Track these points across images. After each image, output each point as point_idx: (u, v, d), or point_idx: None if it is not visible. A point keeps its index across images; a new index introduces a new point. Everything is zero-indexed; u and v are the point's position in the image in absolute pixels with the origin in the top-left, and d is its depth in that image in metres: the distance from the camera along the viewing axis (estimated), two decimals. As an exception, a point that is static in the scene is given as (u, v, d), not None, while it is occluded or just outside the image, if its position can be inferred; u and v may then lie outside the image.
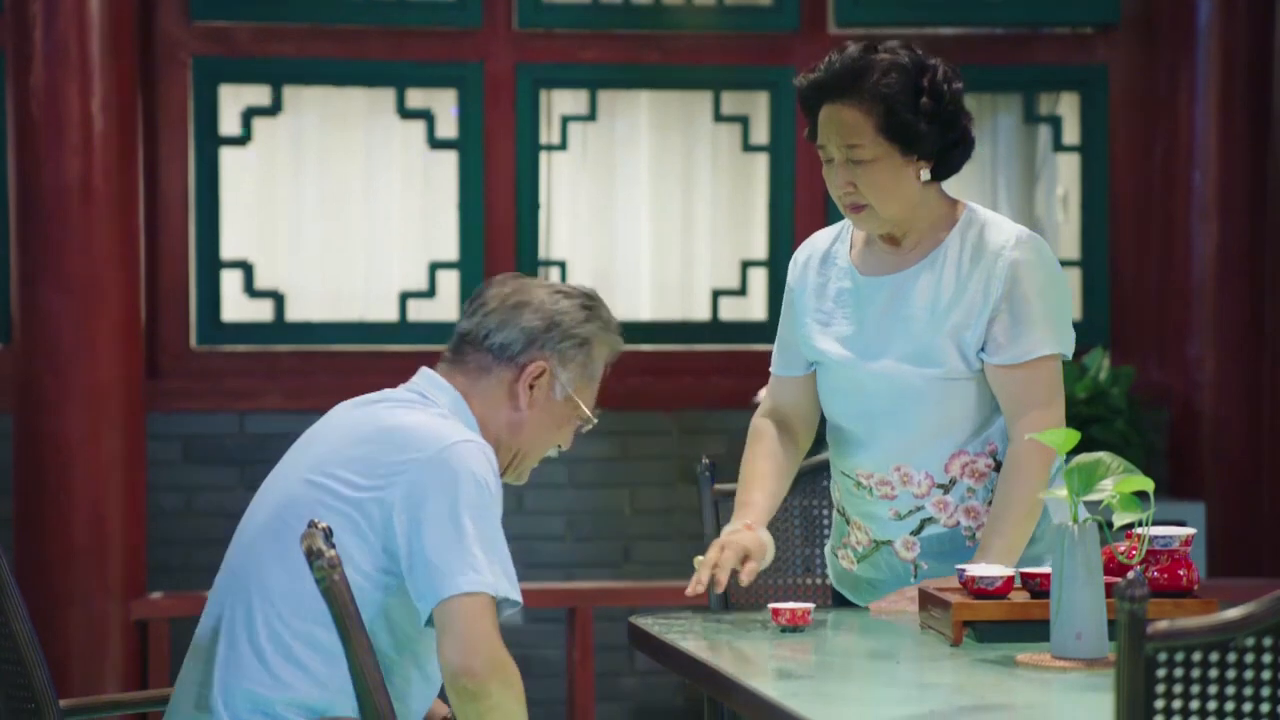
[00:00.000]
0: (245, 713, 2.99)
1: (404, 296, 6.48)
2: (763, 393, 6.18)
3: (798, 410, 3.59)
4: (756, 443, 3.60)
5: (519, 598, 2.97)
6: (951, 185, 3.49)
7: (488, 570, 2.93)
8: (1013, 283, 3.37)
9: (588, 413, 3.23)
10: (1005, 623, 3.03)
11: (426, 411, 3.10)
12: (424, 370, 3.20)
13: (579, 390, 3.20)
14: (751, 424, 3.64)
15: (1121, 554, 3.02)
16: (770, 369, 3.63)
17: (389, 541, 2.96)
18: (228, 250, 6.42)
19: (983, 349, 3.38)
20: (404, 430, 3.04)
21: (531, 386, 3.16)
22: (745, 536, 3.41)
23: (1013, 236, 3.39)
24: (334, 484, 3.02)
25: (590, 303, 3.23)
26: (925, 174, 3.38)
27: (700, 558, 3.40)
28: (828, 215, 6.53)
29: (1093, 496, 2.89)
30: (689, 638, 3.17)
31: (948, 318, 3.39)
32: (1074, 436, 3.02)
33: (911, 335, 3.40)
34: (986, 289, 3.38)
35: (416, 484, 2.97)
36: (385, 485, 2.98)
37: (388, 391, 3.19)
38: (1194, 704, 2.16)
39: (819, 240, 3.57)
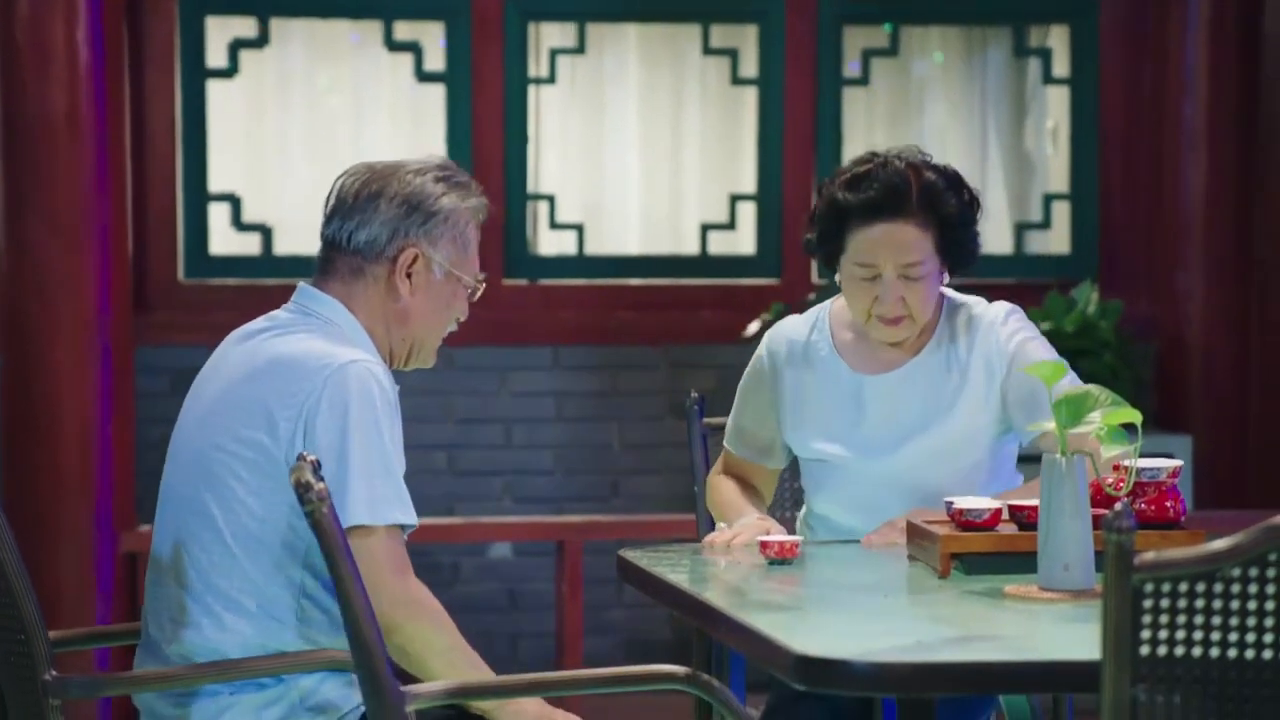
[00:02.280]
0: (200, 659, 3.00)
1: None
2: (753, 327, 6.20)
3: (761, 485, 3.60)
4: (722, 484, 3.59)
5: (410, 520, 2.95)
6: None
7: (367, 499, 2.90)
8: (1015, 358, 3.40)
9: (473, 281, 3.16)
10: (993, 555, 3.04)
11: (310, 333, 3.06)
12: (301, 286, 3.15)
13: (456, 264, 3.13)
14: (710, 480, 3.63)
15: (1109, 486, 3.03)
16: (730, 450, 3.60)
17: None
18: (215, 183, 6.40)
19: (1007, 431, 3.43)
20: (290, 360, 3.00)
21: (409, 275, 3.10)
22: (761, 522, 3.41)
23: (1000, 313, 3.45)
24: (235, 427, 3.00)
25: (444, 173, 3.14)
26: (945, 277, 3.44)
27: (724, 524, 3.40)
28: (816, 148, 6.52)
29: (1081, 429, 2.89)
30: (677, 570, 3.18)
31: (955, 405, 3.41)
32: (1061, 369, 3.03)
33: (920, 429, 3.41)
34: (989, 368, 3.42)
35: (308, 414, 2.95)
36: (280, 420, 2.96)
37: (271, 315, 3.14)
38: (1180, 634, 2.17)
39: (794, 331, 3.55)
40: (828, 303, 3.56)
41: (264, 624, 2.98)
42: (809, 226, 3.47)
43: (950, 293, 3.50)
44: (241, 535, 2.98)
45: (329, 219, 3.14)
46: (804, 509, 3.59)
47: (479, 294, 3.19)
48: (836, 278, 3.47)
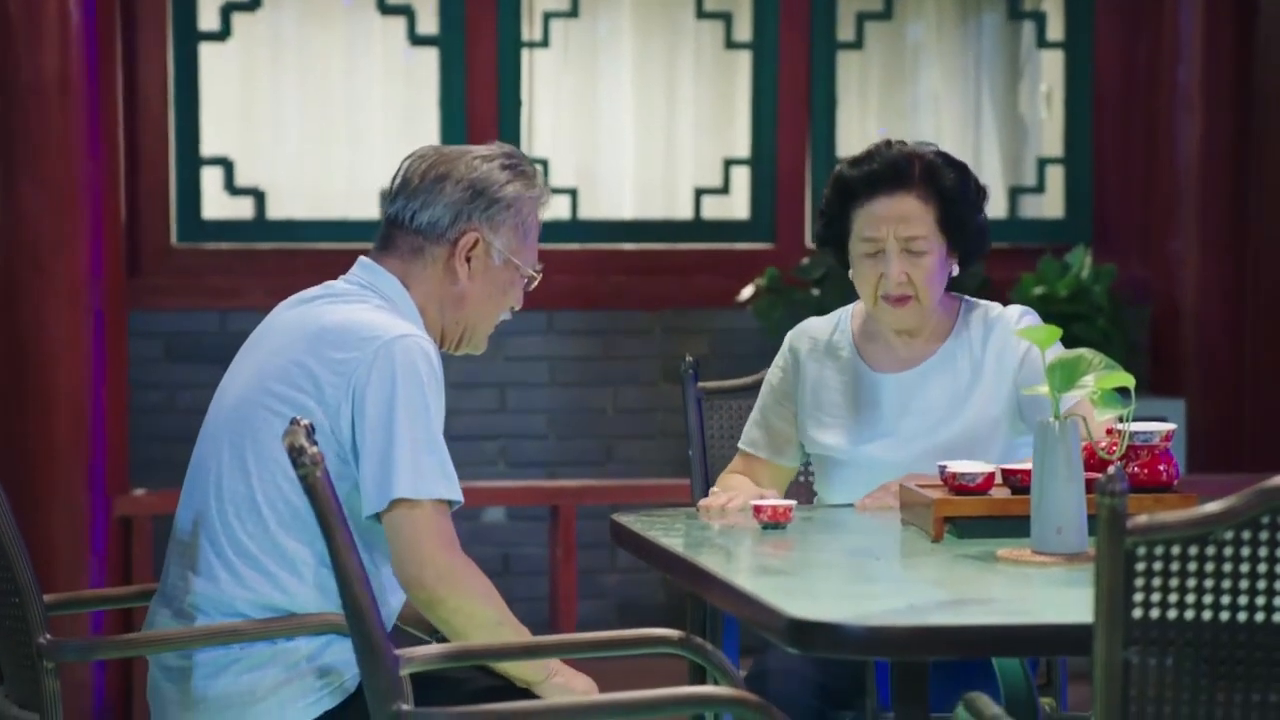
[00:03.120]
0: (214, 614, 3.01)
1: (385, 194, 6.44)
2: (746, 291, 6.20)
3: (772, 486, 3.59)
4: (731, 476, 3.59)
5: (457, 496, 2.97)
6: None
7: (411, 473, 2.91)
8: (1028, 352, 3.44)
9: (530, 271, 3.19)
10: (986, 518, 3.04)
11: (365, 305, 3.08)
12: (361, 259, 3.17)
13: (516, 251, 3.16)
14: (719, 480, 3.63)
15: (1102, 449, 3.03)
16: (746, 449, 3.60)
17: (339, 442, 2.96)
18: (208, 147, 6.39)
19: (1023, 434, 3.45)
20: (342, 328, 3.02)
21: (468, 259, 3.12)
22: (756, 488, 3.44)
23: (1015, 313, 3.50)
24: (280, 388, 3.01)
25: (510, 160, 3.17)
26: (955, 269, 3.49)
27: (717, 489, 3.40)
28: (810, 112, 6.51)
29: (1074, 392, 2.90)
30: (671, 535, 3.18)
31: (969, 402, 3.46)
32: (1055, 333, 3.03)
33: (936, 427, 3.45)
34: (1001, 363, 3.46)
35: (356, 383, 2.96)
36: (327, 386, 2.98)
37: (328, 284, 3.16)
38: (1172, 597, 2.17)
39: (816, 329, 3.60)
40: (850, 306, 3.63)
41: (282, 586, 2.99)
42: (819, 218, 3.55)
43: (968, 297, 3.57)
44: (273, 494, 2.99)
45: (393, 197, 3.17)
46: None
47: (535, 284, 3.21)
48: (850, 273, 3.52)
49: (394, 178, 3.19)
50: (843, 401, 3.53)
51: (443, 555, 2.93)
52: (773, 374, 3.62)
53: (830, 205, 3.51)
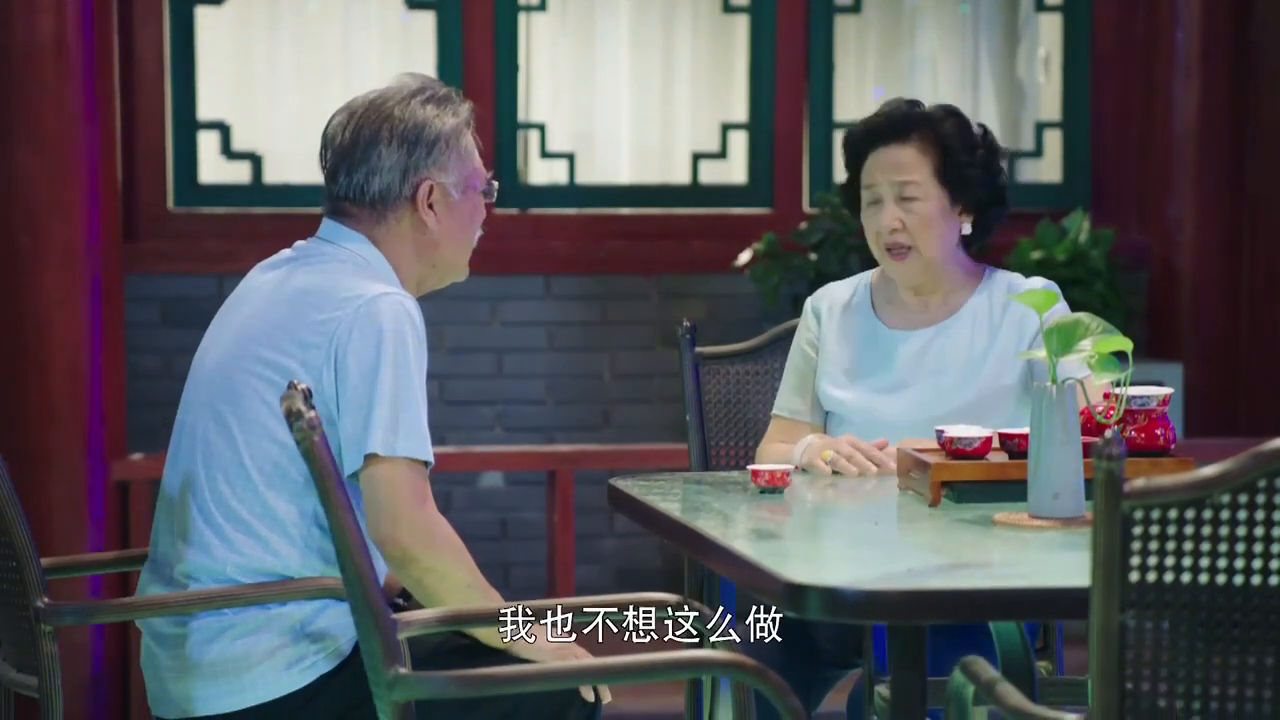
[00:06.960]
0: (206, 580, 3.01)
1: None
2: (744, 256, 6.20)
3: None
4: (773, 446, 3.57)
5: (428, 457, 2.97)
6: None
7: (388, 430, 2.91)
8: (1045, 321, 3.43)
9: (485, 184, 3.20)
10: (983, 483, 3.04)
11: (342, 265, 3.08)
12: (327, 221, 3.16)
13: (469, 179, 3.17)
14: (758, 451, 3.62)
15: (1099, 414, 3.03)
16: (786, 415, 3.60)
17: (323, 402, 2.96)
18: (204, 111, 6.37)
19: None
20: (321, 289, 3.02)
21: (431, 206, 3.13)
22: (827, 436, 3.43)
23: (1039, 284, 3.49)
24: (263, 351, 3.01)
25: (425, 95, 3.15)
26: (966, 227, 3.49)
27: (830, 454, 3.38)
28: (809, 77, 6.49)
29: (1071, 357, 2.90)
30: (668, 499, 3.18)
31: (981, 370, 3.46)
32: (1052, 297, 3.03)
33: (949, 387, 3.46)
34: (1021, 331, 3.46)
35: (338, 343, 2.96)
36: (308, 348, 2.98)
37: (299, 245, 3.17)
38: (1169, 561, 2.17)
39: (836, 290, 3.62)
40: (871, 270, 3.64)
41: (273, 549, 2.99)
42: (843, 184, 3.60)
43: (993, 268, 3.58)
44: (260, 459, 2.99)
45: (333, 173, 3.14)
46: None
47: (495, 192, 3.23)
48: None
49: (324, 153, 3.16)
50: (858, 358, 3.54)
51: (419, 510, 2.93)
52: (799, 339, 3.63)
53: (847, 166, 3.56)
